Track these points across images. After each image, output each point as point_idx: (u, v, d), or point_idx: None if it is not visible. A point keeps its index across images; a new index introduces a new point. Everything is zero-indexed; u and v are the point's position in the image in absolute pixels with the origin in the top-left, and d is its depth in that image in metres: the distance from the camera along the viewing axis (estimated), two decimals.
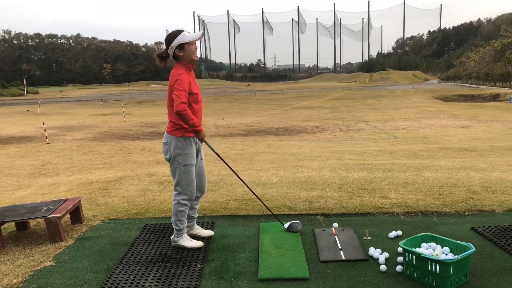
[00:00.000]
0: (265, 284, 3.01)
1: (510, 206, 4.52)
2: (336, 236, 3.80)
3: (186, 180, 3.55)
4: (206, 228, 4.10)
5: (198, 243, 3.68)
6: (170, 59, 3.53)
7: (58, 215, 3.90)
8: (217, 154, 3.90)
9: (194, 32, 3.59)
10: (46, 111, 27.20)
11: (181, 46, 3.40)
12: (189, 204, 3.64)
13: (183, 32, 3.41)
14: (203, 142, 3.64)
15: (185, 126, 3.44)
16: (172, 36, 3.41)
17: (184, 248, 3.64)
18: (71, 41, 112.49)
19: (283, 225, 4.06)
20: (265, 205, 4.23)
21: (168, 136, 3.52)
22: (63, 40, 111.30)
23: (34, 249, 3.77)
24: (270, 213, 4.31)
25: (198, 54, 3.65)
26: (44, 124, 14.29)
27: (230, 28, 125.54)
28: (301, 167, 6.79)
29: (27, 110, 28.27)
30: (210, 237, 3.93)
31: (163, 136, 3.61)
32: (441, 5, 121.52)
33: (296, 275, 3.09)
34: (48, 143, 12.86)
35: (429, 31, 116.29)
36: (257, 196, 4.23)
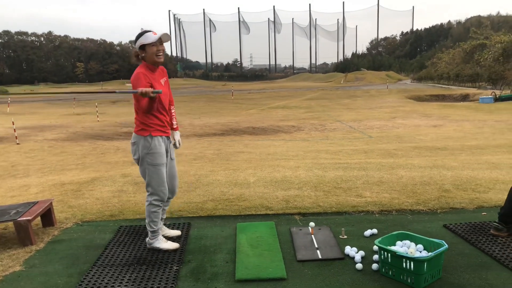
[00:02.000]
0: (242, 284, 2.99)
1: (480, 203, 4.65)
2: (312, 235, 3.81)
3: (156, 180, 3.49)
4: (182, 230, 4.05)
5: (173, 245, 3.63)
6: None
7: (28, 218, 3.78)
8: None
9: (169, 33, 3.54)
10: (16, 110, 26.37)
11: (142, 47, 3.36)
12: (161, 205, 3.58)
13: (146, 33, 3.35)
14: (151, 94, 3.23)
15: (151, 126, 3.39)
16: (137, 37, 3.39)
17: (159, 250, 3.59)
18: (42, 38, 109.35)
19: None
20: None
21: (135, 136, 3.47)
22: (33, 38, 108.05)
23: (3, 254, 3.64)
24: (248, 214, 4.29)
25: (174, 53, 3.58)
26: (13, 124, 13.85)
27: (206, 27, 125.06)
28: (278, 166, 6.81)
29: None
30: (178, 237, 3.88)
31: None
32: (413, 7, 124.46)
33: (274, 275, 3.08)
34: (18, 144, 12.46)
35: (402, 32, 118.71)
36: None
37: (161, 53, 3.41)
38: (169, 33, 3.48)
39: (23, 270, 3.32)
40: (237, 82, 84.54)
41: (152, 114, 3.39)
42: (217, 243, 3.77)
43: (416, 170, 6.22)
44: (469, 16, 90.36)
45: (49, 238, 4.00)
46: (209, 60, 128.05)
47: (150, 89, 3.17)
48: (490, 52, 40.52)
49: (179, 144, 3.76)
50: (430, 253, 2.95)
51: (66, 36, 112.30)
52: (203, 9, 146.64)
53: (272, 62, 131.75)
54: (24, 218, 3.77)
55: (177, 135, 3.78)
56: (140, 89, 3.15)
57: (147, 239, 3.66)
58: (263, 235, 3.88)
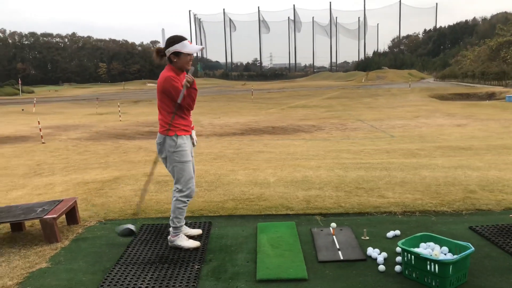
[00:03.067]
0: (263, 285, 2.99)
1: (508, 205, 4.52)
2: (334, 236, 3.78)
3: (185, 176, 3.57)
4: (203, 229, 4.07)
5: (195, 243, 3.66)
6: (165, 58, 3.54)
7: (54, 216, 3.87)
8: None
9: (190, 33, 3.60)
10: (41, 110, 27.04)
11: (177, 54, 3.45)
12: (188, 202, 3.64)
13: (184, 41, 3.45)
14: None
15: (176, 126, 3.49)
16: (172, 41, 3.46)
17: (181, 249, 3.61)
18: (66, 40, 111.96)
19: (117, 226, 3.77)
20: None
21: (160, 137, 3.57)
22: (58, 39, 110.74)
23: (30, 251, 3.74)
24: (268, 213, 4.28)
25: (194, 54, 3.65)
26: (39, 123, 14.19)
27: (226, 27, 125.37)
28: (298, 166, 6.77)
29: (22, 110, 28.08)
30: (199, 236, 3.92)
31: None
32: (436, 4, 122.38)
33: (295, 276, 3.07)
34: (43, 143, 12.77)
35: (425, 29, 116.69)
36: None
37: (191, 62, 3.55)
38: (190, 34, 3.54)
39: (49, 266, 3.40)
40: (256, 82, 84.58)
41: (177, 115, 3.50)
42: (238, 242, 3.78)
43: (440, 170, 6.10)
44: (495, 13, 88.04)
45: (74, 236, 4.08)
46: (229, 60, 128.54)
47: (191, 79, 3.42)
48: None
49: (196, 142, 3.85)
50: (455, 256, 2.88)
51: (89, 37, 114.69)
52: (223, 9, 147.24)
53: (292, 61, 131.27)
54: (50, 216, 3.86)
55: (193, 134, 3.86)
56: (185, 82, 3.40)
57: (169, 236, 3.70)
58: (284, 235, 3.86)
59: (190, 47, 3.47)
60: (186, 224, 4.06)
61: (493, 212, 4.36)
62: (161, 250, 3.63)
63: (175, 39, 3.46)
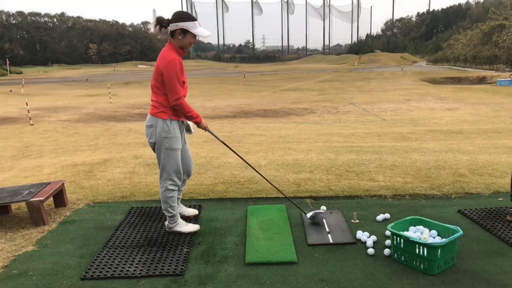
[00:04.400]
0: (252, 268, 2.98)
1: (496, 188, 4.55)
2: (324, 220, 3.77)
3: (172, 164, 3.43)
4: None
5: (194, 227, 3.60)
6: (165, 31, 3.32)
7: (40, 198, 3.81)
8: (222, 142, 3.81)
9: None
10: (30, 91, 26.61)
11: (185, 31, 3.25)
12: (176, 189, 3.52)
13: (196, 21, 3.27)
14: (207, 131, 3.56)
15: (171, 110, 3.34)
16: (184, 17, 3.26)
17: (181, 234, 3.55)
18: (55, 19, 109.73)
19: (305, 214, 3.81)
20: (287, 196, 4.16)
21: (152, 119, 3.35)
22: (46, 19, 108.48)
23: (16, 234, 3.68)
24: (259, 197, 4.26)
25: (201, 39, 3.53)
26: (27, 105, 13.97)
27: (218, 8, 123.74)
28: (290, 149, 6.75)
29: (10, 91, 27.58)
30: (195, 216, 3.91)
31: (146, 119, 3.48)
32: None
33: (284, 259, 3.06)
34: (32, 125, 12.59)
35: (418, 13, 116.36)
36: (275, 187, 4.12)
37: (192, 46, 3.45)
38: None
39: (35, 250, 3.36)
40: (249, 64, 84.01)
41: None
42: (227, 225, 3.76)
43: (431, 154, 6.11)
44: None
45: (61, 218, 4.03)
46: (221, 42, 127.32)
47: (207, 126, 3.53)
48: (509, 33, 39.36)
49: (193, 130, 3.70)
50: (444, 239, 2.88)
51: (78, 17, 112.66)
52: None
53: (285, 44, 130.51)
54: (37, 199, 3.80)
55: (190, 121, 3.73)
56: (205, 126, 3.51)
57: (166, 223, 3.59)
58: (273, 218, 3.85)
59: (201, 30, 3.28)
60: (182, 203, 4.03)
61: (482, 196, 4.38)
62: (150, 233, 3.60)
63: (186, 16, 3.26)
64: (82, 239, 3.55)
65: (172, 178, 3.46)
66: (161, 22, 3.29)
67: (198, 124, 3.47)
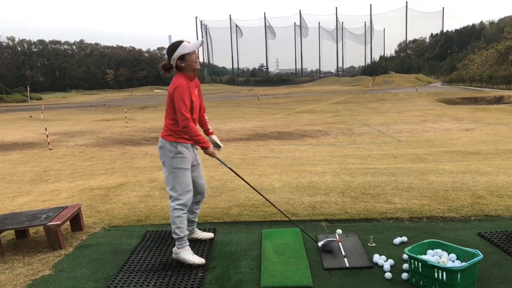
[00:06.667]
0: None
1: None
2: (340, 243, 3.72)
3: (180, 184, 3.46)
4: None
5: (200, 260, 3.45)
6: (174, 69, 3.53)
7: (58, 222, 3.85)
8: (229, 168, 3.85)
9: (197, 39, 3.61)
10: (49, 117, 27.26)
11: (182, 57, 3.41)
12: (185, 209, 3.51)
13: (182, 43, 3.42)
14: (213, 157, 3.64)
15: (178, 133, 3.46)
16: (172, 48, 3.43)
17: (185, 262, 3.44)
18: (74, 47, 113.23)
19: (316, 243, 3.74)
20: (294, 221, 4.13)
21: (161, 141, 3.53)
22: (66, 46, 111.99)
23: (33, 258, 3.72)
24: (273, 220, 4.24)
25: (201, 59, 3.66)
26: (46, 130, 14.29)
27: (232, 33, 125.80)
28: (304, 171, 6.72)
29: (30, 116, 28.34)
30: (211, 239, 3.90)
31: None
32: (443, 8, 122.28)
33: (299, 283, 3.02)
34: (50, 149, 12.84)
35: (432, 34, 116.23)
36: (281, 211, 4.11)
37: (198, 60, 3.52)
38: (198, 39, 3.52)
39: (52, 274, 3.38)
40: (263, 87, 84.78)
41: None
42: (242, 249, 3.74)
43: (448, 175, 6.01)
44: (502, 16, 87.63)
45: (78, 242, 4.07)
46: (235, 66, 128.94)
47: (213, 152, 3.62)
48: None
49: (222, 144, 3.91)
50: (464, 263, 2.82)
51: (96, 44, 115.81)
52: (229, 15, 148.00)
53: (298, 67, 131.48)
54: (54, 223, 3.85)
55: (215, 138, 3.91)
56: (211, 152, 3.59)
57: (174, 248, 3.54)
58: (288, 242, 3.82)
59: (190, 45, 3.42)
60: (199, 229, 4.04)
61: (502, 218, 4.27)
62: (165, 257, 3.60)
63: (175, 46, 3.43)
64: (97, 263, 3.57)
65: (181, 198, 3.48)
66: (165, 67, 3.52)
67: (205, 149, 3.54)
